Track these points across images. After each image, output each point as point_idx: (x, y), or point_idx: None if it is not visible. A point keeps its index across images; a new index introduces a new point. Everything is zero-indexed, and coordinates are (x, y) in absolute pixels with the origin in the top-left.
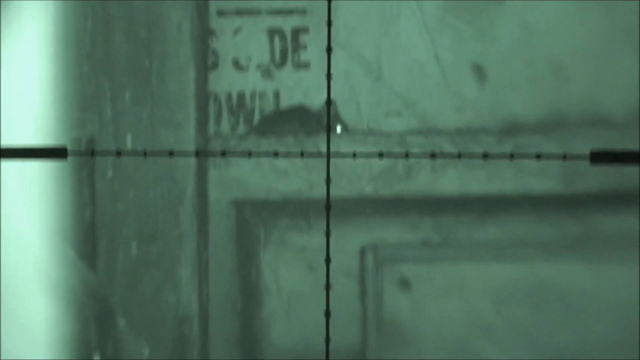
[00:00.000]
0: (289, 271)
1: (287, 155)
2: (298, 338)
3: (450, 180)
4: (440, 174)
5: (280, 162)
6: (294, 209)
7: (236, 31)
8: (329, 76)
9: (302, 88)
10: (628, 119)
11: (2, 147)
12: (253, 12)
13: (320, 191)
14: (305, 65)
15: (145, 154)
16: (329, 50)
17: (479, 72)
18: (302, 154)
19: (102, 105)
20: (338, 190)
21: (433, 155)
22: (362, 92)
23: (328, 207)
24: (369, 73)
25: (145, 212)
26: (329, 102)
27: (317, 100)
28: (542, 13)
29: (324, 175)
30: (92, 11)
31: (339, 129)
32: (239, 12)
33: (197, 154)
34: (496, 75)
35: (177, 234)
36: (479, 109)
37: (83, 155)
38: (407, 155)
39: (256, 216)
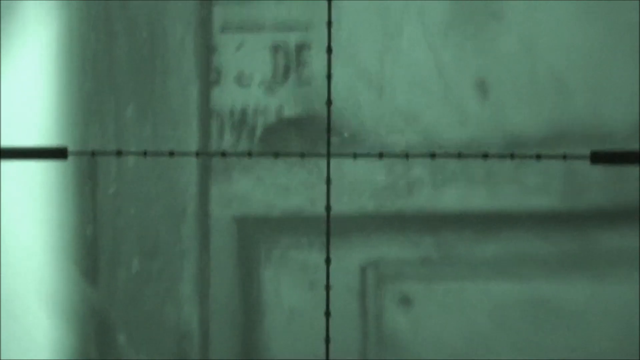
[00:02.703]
0: (290, 288)
1: (288, 154)
2: (298, 355)
3: (451, 197)
4: (441, 191)
5: (282, 179)
6: (295, 226)
7: (239, 47)
8: (329, 76)
9: (304, 104)
10: (629, 133)
11: (2, 147)
12: (256, 28)
13: (321, 208)
14: (308, 82)
15: (145, 154)
16: (329, 50)
17: (481, 86)
18: (302, 155)
19: (104, 120)
20: (339, 207)
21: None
22: (365, 107)
23: (328, 208)
24: (371, 88)
25: (147, 228)
26: (329, 102)
27: (319, 115)
28: (544, 28)
29: (325, 191)
30: (95, 27)
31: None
32: (242, 28)
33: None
34: (498, 89)
35: (178, 250)
36: (481, 123)
37: (83, 156)
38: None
39: (257, 233)
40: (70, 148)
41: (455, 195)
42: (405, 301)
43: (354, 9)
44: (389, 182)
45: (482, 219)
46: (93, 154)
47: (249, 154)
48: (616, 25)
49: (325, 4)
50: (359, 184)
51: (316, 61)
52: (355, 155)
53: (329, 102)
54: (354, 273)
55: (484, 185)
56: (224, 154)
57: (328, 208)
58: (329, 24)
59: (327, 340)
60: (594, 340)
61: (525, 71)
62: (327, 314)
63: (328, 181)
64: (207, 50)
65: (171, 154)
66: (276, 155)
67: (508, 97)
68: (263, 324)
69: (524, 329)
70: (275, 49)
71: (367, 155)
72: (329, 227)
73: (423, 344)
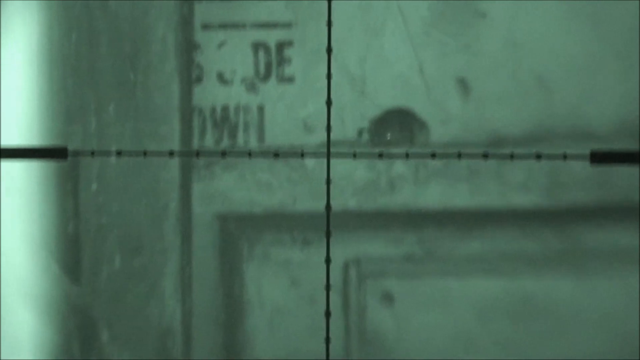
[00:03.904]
0: (272, 285)
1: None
2: (281, 352)
3: (434, 194)
4: (424, 188)
5: (264, 176)
6: (277, 222)
7: (221, 44)
8: (329, 76)
9: (286, 102)
10: (612, 132)
11: (2, 147)
12: (238, 26)
13: (303, 205)
14: (290, 79)
15: (145, 154)
16: (329, 50)
17: (464, 85)
18: (302, 154)
19: (86, 118)
20: (321, 204)
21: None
22: (347, 105)
23: (328, 208)
24: (353, 86)
25: (129, 226)
26: (329, 102)
27: (301, 114)
28: (527, 26)
29: (308, 187)
30: (77, 24)
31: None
32: (224, 26)
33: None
34: (481, 88)
35: (160, 248)
36: (463, 122)
37: (83, 156)
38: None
39: (240, 230)
40: (70, 148)
41: (438, 192)
42: (388, 298)
43: (337, 7)
44: (371, 179)
45: (465, 216)
46: (93, 153)
47: (249, 154)
48: (599, 25)
49: (306, 3)
50: (342, 182)
51: (297, 59)
52: (355, 155)
53: (329, 102)
54: (337, 270)
55: (466, 183)
56: (224, 153)
57: (328, 208)
58: (329, 23)
59: (328, 340)
60: (578, 337)
61: (508, 69)
62: (328, 313)
63: (328, 181)
64: (188, 48)
65: (171, 153)
66: (276, 155)
67: (490, 95)
68: (245, 320)
69: (508, 326)
70: (257, 46)
71: (367, 155)
72: (329, 227)
73: (405, 340)
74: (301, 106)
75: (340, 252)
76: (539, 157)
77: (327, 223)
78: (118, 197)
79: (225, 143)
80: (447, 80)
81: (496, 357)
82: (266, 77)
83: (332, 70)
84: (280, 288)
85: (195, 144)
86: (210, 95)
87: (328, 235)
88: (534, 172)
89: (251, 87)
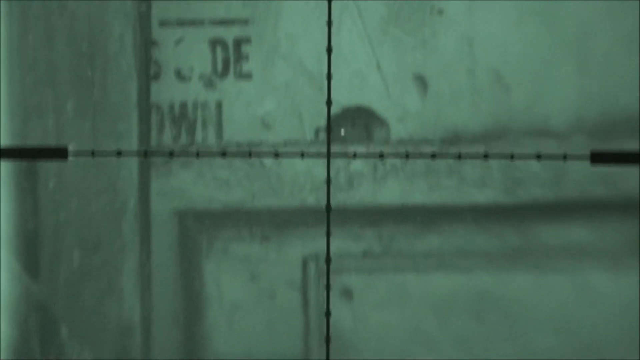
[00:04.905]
0: (231, 281)
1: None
2: (240, 348)
3: (392, 191)
4: (382, 184)
5: (223, 172)
6: (236, 219)
7: (178, 41)
8: (329, 76)
9: (244, 98)
10: (568, 128)
11: (2, 147)
12: (195, 23)
13: (262, 201)
14: (248, 76)
15: (145, 154)
16: (329, 50)
17: (421, 82)
18: (302, 155)
19: (44, 116)
20: (280, 201)
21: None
22: (304, 102)
23: (328, 208)
24: (311, 83)
25: (88, 223)
26: (329, 101)
27: (259, 111)
28: (483, 24)
29: (267, 184)
30: (34, 23)
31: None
32: (181, 23)
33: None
34: (438, 85)
35: (119, 244)
36: (421, 119)
37: (83, 156)
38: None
39: (199, 226)
40: (70, 148)
41: (396, 189)
42: (347, 294)
43: (292, 5)
44: (330, 176)
45: (423, 212)
46: (93, 153)
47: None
48: (555, 21)
49: (262, 3)
50: (301, 178)
51: (255, 56)
52: (355, 155)
53: (329, 102)
54: (296, 266)
55: (424, 179)
56: (224, 154)
57: (328, 208)
58: (329, 23)
59: (328, 340)
60: (535, 333)
61: (465, 66)
62: (328, 313)
63: (328, 181)
64: (146, 45)
65: (171, 154)
66: (276, 155)
67: (448, 92)
68: (205, 317)
69: (465, 322)
70: (214, 43)
71: (368, 155)
72: (329, 226)
73: (364, 336)
74: (259, 103)
75: (299, 248)
76: (539, 157)
77: (327, 223)
78: (76, 194)
79: (183, 140)
80: (405, 78)
81: (453, 352)
82: (224, 73)
83: (287, 68)
84: (240, 284)
85: (154, 140)
86: (168, 92)
87: (328, 235)
88: (491, 169)
89: (209, 84)
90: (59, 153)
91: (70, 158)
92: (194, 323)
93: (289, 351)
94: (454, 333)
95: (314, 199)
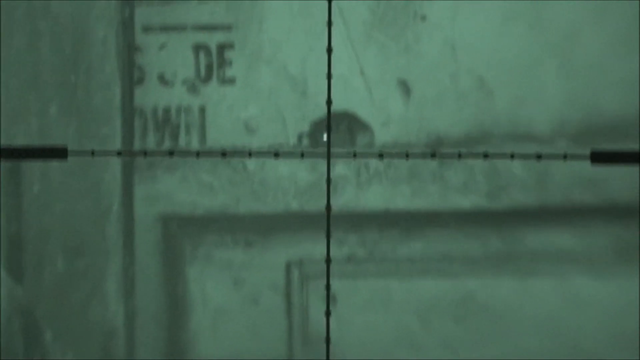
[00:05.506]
0: (215, 286)
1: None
2: (224, 353)
3: (375, 196)
4: (365, 189)
5: (207, 177)
6: (220, 224)
7: (161, 47)
8: (329, 75)
9: (227, 103)
10: (551, 133)
11: (2, 147)
12: (178, 28)
13: (246, 206)
14: (231, 81)
15: (145, 154)
16: (329, 50)
17: (404, 87)
18: (302, 155)
19: (28, 119)
20: (263, 206)
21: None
22: (288, 107)
23: (328, 207)
24: (294, 88)
25: (72, 227)
26: (329, 101)
27: (243, 115)
28: (466, 29)
29: (249, 190)
30: (18, 26)
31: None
32: (165, 28)
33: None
34: (421, 90)
35: (103, 249)
36: (404, 124)
37: (83, 156)
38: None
39: (182, 231)
40: (70, 148)
41: (380, 194)
42: (331, 299)
43: (275, 9)
44: (313, 181)
45: (407, 217)
46: (93, 153)
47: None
48: (538, 25)
49: (247, 5)
50: (284, 183)
51: (238, 61)
52: (355, 155)
53: (329, 102)
54: (280, 271)
55: (407, 184)
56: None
57: (328, 208)
58: (329, 24)
59: (328, 340)
60: (519, 337)
61: (448, 71)
62: (328, 313)
63: (328, 181)
64: (130, 50)
65: (170, 153)
66: (277, 154)
67: (431, 97)
68: (188, 321)
69: (449, 326)
70: (198, 48)
71: (367, 155)
72: (329, 226)
73: (348, 341)
74: (242, 108)
75: (283, 253)
76: (539, 157)
77: (327, 223)
78: (61, 198)
79: (167, 144)
80: (389, 82)
81: (437, 357)
82: (207, 78)
83: (270, 73)
84: (223, 289)
85: (137, 145)
86: (151, 96)
87: (328, 236)
88: (475, 174)
89: (192, 89)
90: (59, 153)
91: (70, 158)
92: (178, 327)
93: (272, 355)
94: (437, 337)
95: (297, 204)
